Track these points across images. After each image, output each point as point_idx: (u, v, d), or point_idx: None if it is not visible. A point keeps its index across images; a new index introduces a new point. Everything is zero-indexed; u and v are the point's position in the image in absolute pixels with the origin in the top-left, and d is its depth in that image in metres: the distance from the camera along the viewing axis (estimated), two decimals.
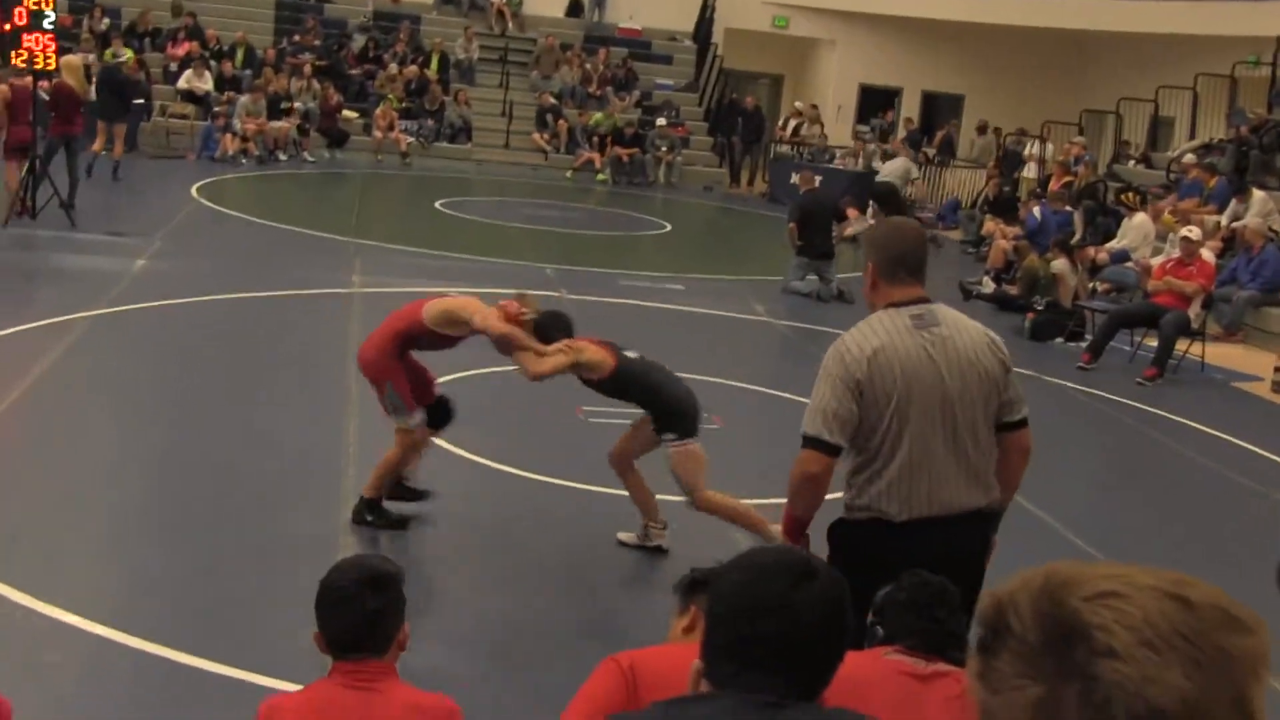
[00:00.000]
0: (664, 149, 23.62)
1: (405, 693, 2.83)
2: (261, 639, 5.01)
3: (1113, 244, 15.51)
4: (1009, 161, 22.28)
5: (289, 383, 8.63)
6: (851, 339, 3.67)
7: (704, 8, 26.42)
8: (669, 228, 18.69)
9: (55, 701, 4.21)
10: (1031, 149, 22.25)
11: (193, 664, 4.74)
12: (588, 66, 25.58)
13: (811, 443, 3.63)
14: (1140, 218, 15.51)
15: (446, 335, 6.12)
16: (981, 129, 24.49)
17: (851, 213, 18.37)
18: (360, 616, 2.81)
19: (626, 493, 6.31)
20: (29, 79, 13.37)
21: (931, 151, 24.26)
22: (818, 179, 16.29)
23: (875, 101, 26.91)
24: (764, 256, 16.89)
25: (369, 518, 6.15)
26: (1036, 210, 16.51)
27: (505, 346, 5.92)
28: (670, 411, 5.98)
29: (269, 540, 6.00)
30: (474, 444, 7.51)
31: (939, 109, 26.66)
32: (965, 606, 3.17)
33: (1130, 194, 16.66)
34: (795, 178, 18.96)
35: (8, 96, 13.35)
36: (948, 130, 24.95)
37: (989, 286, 15.01)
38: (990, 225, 17.83)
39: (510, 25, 26.17)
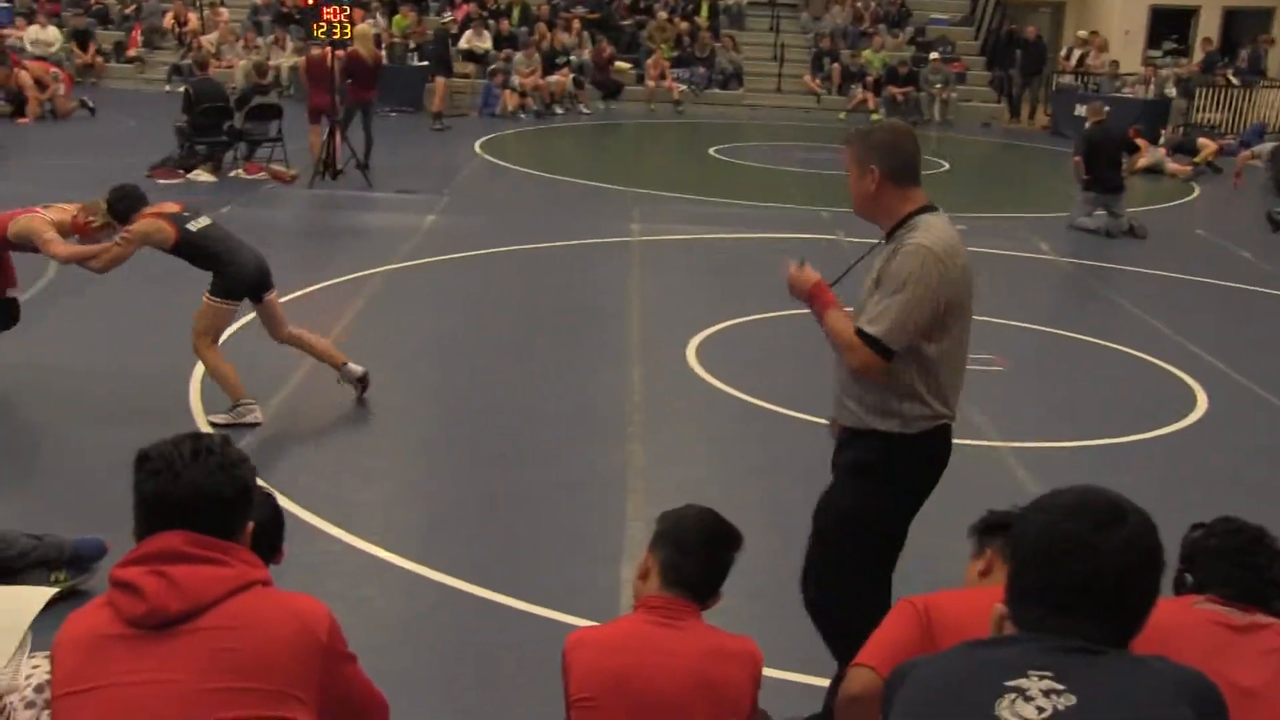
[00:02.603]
0: (939, 85, 22.97)
1: (710, 634, 2.88)
2: (558, 575, 5.20)
3: None
4: None
5: (574, 330, 8.88)
6: (940, 248, 3.60)
7: None
8: (946, 166, 18.19)
9: (374, 632, 4.49)
10: None
11: (489, 596, 4.97)
12: (859, 5, 25.07)
13: (882, 351, 3.61)
14: None
15: (25, 246, 6.76)
16: None
17: (1143, 143, 17.45)
18: (709, 561, 2.90)
19: None
20: (327, 49, 14.11)
21: (1232, 74, 22.69)
22: (1105, 109, 15.47)
23: (1168, 23, 25.35)
24: (1048, 192, 16.24)
25: None
26: None
27: (80, 262, 6.67)
28: (223, 275, 6.64)
29: (560, 480, 6.21)
30: (748, 385, 7.56)
31: (1244, 25, 24.85)
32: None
33: None
34: (1081, 109, 18.10)
35: (307, 66, 14.17)
36: (1255, 46, 23.23)
37: None
38: None
39: None
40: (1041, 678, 1.86)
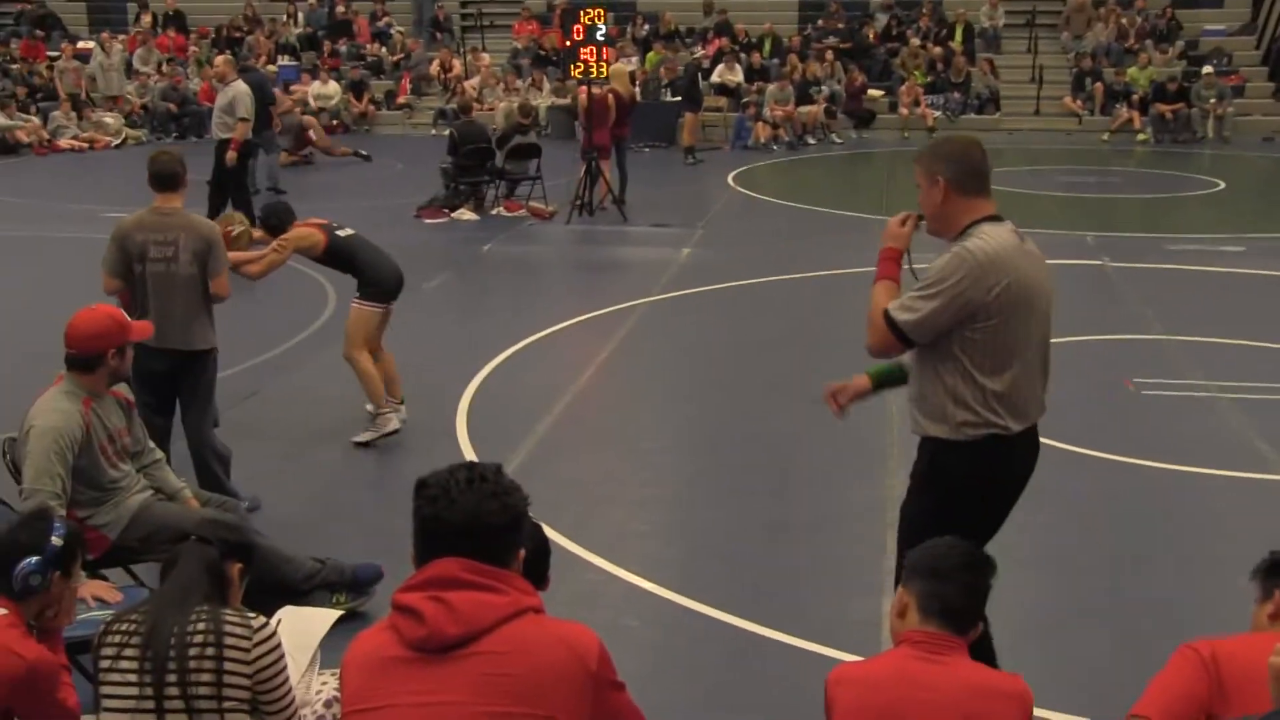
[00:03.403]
0: (1213, 100, 21.84)
1: (976, 670, 2.80)
2: (819, 608, 5.15)
3: None
4: None
5: (832, 359, 8.81)
6: (980, 251, 3.61)
7: None
8: (1222, 185, 17.27)
9: (636, 663, 4.55)
10: None
11: (749, 628, 4.97)
12: (1123, 21, 24.12)
13: (899, 333, 3.69)
14: None
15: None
16: None
17: None
18: (969, 586, 2.85)
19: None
20: (607, 88, 14.50)
21: None
22: None
23: None
24: None
25: None
26: None
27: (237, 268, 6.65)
28: (368, 281, 7.13)
29: (820, 511, 6.17)
30: None
31: None
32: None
33: None
34: None
35: (586, 104, 14.60)
36: None
37: None
38: None
39: None
40: None
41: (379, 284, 7.16)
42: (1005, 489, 3.83)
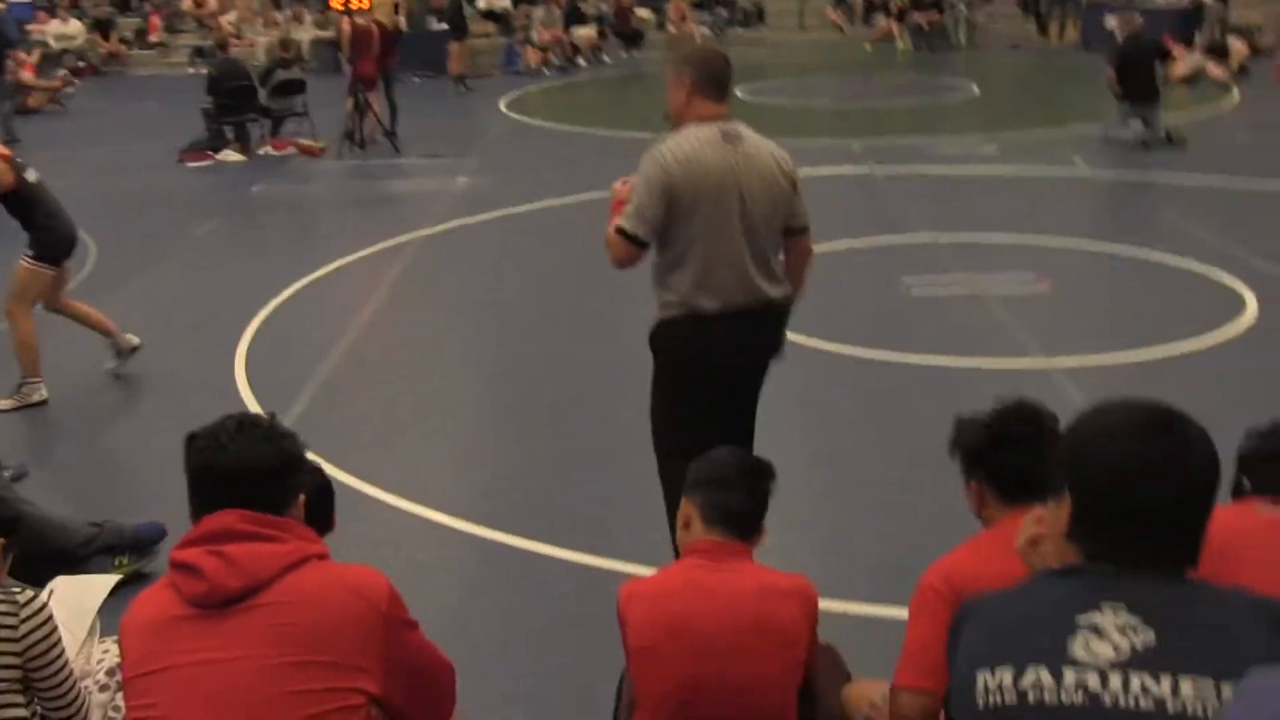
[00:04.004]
0: (964, 10, 22.63)
1: (761, 573, 2.87)
2: (611, 528, 5.21)
3: None
4: None
5: (615, 280, 8.85)
6: (669, 148, 3.97)
7: None
8: (977, 91, 17.96)
9: (432, 596, 4.53)
10: None
11: (550, 553, 5.00)
12: None
13: (627, 237, 4.01)
14: None
15: None
16: None
17: (1178, 50, 17.11)
18: (750, 492, 2.92)
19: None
20: (371, 20, 14.09)
21: None
22: (1139, 19, 15.16)
23: None
24: (1081, 108, 15.99)
25: None
26: None
27: None
28: (42, 239, 6.55)
29: (611, 434, 6.21)
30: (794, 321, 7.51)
31: None
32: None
33: None
34: (1112, 21, 17.78)
35: (350, 35, 14.17)
36: None
37: None
38: None
39: None
40: (1116, 611, 1.79)
41: (54, 244, 6.58)
42: (717, 367, 4.13)
